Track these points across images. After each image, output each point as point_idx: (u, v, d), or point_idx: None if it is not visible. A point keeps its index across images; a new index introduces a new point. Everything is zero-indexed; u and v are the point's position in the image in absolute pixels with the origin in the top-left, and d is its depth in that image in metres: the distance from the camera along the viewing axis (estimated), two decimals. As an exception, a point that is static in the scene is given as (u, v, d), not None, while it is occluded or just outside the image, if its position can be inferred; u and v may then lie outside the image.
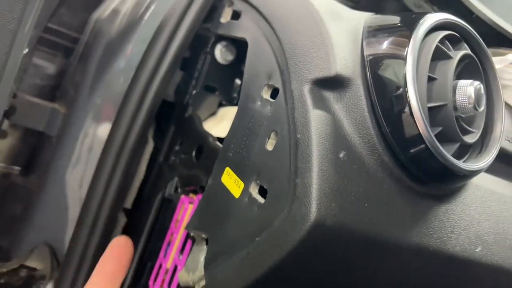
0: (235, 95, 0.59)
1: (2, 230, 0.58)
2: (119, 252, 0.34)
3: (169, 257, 0.51)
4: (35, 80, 0.57)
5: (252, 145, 0.37)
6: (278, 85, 0.36)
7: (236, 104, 0.52)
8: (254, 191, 0.36)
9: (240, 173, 0.37)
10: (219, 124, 0.57)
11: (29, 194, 0.58)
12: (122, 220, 0.59)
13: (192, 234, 0.41)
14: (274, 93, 0.36)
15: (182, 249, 0.50)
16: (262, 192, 0.35)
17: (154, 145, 0.58)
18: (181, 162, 0.54)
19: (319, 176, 0.30)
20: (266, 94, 0.37)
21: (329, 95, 0.33)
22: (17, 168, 0.61)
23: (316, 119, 0.31)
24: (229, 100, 0.59)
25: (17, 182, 0.59)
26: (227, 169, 0.39)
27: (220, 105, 0.59)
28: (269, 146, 0.35)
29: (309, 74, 0.33)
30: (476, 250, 0.35)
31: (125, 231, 0.60)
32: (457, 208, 0.35)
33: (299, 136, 0.31)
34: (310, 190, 0.30)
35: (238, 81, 0.58)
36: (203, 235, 0.39)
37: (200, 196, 0.48)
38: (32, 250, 0.55)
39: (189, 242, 0.47)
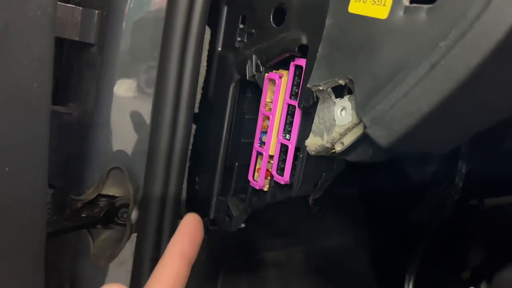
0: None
1: (60, 168, 0.50)
2: (192, 229, 0.32)
3: (270, 143, 0.45)
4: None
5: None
6: None
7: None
8: (407, 1, 0.30)
9: (379, -10, 0.31)
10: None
11: (80, 120, 0.50)
12: (191, 128, 0.52)
13: (321, 88, 0.35)
14: None
15: (285, 128, 0.44)
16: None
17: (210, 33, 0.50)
18: (253, 38, 0.46)
19: None
20: None
21: None
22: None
23: None
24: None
25: (57, 111, 0.50)
26: (356, -6, 0.32)
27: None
28: None
29: None
30: None
31: (196, 139, 0.53)
32: None
33: None
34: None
35: None
36: (341, 81, 0.33)
37: (298, 61, 0.41)
38: (107, 175, 0.48)
39: (297, 113, 0.42)
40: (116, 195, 0.48)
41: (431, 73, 0.27)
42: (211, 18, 0.51)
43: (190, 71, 0.46)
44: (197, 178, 0.55)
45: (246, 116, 0.51)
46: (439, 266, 0.98)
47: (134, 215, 0.48)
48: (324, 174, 0.46)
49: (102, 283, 0.54)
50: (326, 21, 0.35)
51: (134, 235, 0.50)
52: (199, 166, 0.54)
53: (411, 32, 0.29)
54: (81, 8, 0.47)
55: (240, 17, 0.48)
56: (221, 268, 0.82)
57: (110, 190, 0.48)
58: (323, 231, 0.94)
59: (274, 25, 0.44)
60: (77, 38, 0.47)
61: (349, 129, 0.35)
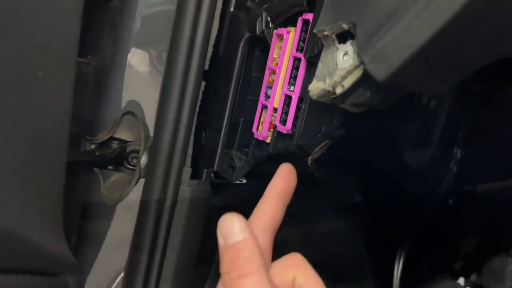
0: None
1: (77, 112, 0.53)
2: (287, 175, 0.36)
3: (274, 96, 0.48)
4: None
5: None
6: None
7: None
8: None
9: None
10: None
11: (98, 69, 0.53)
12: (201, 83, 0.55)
13: (326, 33, 0.38)
14: None
15: (289, 81, 0.47)
16: None
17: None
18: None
19: None
20: None
21: None
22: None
23: None
24: None
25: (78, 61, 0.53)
26: None
27: None
28: None
29: None
30: None
31: (205, 95, 0.56)
32: None
33: None
34: None
35: None
36: (345, 25, 0.36)
37: (306, 15, 0.44)
38: (119, 120, 0.50)
39: (302, 64, 0.45)
40: (128, 139, 0.51)
41: (427, 7, 0.30)
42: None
43: (203, 29, 0.49)
44: (203, 133, 0.58)
45: (253, 74, 0.54)
46: (430, 255, 1.01)
47: (143, 160, 0.51)
48: (324, 128, 0.49)
49: (109, 225, 0.57)
50: (331, -29, 0.38)
51: (142, 181, 0.53)
52: (207, 121, 0.57)
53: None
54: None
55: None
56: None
57: (123, 134, 0.51)
58: (320, 212, 0.97)
59: (286, -18, 0.47)
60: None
61: (349, 72, 0.38)
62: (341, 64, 0.38)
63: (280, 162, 0.37)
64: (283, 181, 0.35)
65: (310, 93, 0.41)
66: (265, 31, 0.49)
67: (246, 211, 0.75)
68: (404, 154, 0.93)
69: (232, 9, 0.54)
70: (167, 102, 0.50)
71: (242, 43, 0.52)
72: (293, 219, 0.93)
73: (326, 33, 0.38)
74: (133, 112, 0.50)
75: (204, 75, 0.55)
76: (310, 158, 0.56)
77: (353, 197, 1.00)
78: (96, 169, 0.49)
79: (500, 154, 0.84)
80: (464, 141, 0.88)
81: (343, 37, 0.39)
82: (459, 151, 0.89)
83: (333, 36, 0.39)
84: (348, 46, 0.38)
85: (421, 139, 0.90)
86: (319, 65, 0.40)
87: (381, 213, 0.98)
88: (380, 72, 0.34)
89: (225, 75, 0.54)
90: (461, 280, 1.07)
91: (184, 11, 0.49)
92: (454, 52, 0.33)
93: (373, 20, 0.34)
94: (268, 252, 0.34)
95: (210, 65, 0.56)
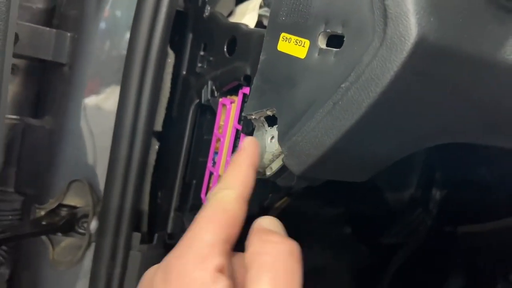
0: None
1: (31, 177, 0.53)
2: (254, 146, 0.33)
3: (220, 164, 0.48)
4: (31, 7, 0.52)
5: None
6: None
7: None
8: (322, 44, 0.32)
9: (301, 32, 0.34)
10: (241, 20, 0.53)
11: (50, 134, 0.53)
12: (155, 144, 0.55)
13: (253, 117, 0.38)
14: None
15: (233, 150, 0.47)
16: (332, 41, 0.32)
17: (175, 58, 0.53)
18: (211, 65, 0.50)
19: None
20: None
21: None
22: (27, 116, 0.56)
23: None
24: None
25: (33, 125, 0.54)
26: (283, 34, 0.35)
27: (238, 2, 0.55)
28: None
29: None
30: None
31: (160, 156, 0.56)
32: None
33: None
34: (406, 6, 0.26)
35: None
36: (269, 112, 0.36)
37: (244, 89, 0.44)
38: (68, 186, 0.51)
39: (242, 137, 0.44)
40: (78, 205, 0.52)
41: (332, 111, 0.30)
42: (177, 44, 0.55)
43: (149, 92, 0.49)
44: (159, 192, 0.58)
45: (204, 137, 0.54)
46: None
47: (93, 225, 0.51)
48: (270, 195, 0.48)
49: (62, 285, 0.57)
50: (261, 56, 0.38)
51: (95, 244, 0.53)
52: (161, 181, 0.57)
53: (322, 73, 0.32)
54: (54, 30, 0.51)
55: (202, 45, 0.52)
56: None
57: (72, 200, 0.51)
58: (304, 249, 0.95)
59: (227, 55, 0.47)
60: (51, 58, 0.51)
61: (276, 156, 0.37)
62: (269, 147, 0.38)
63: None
64: (252, 151, 0.33)
65: (243, 172, 0.41)
66: (211, 100, 0.49)
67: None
68: (382, 195, 0.92)
69: (184, 72, 0.54)
70: (115, 164, 0.51)
71: (192, 107, 0.52)
72: None
73: (253, 117, 0.38)
74: (80, 180, 0.51)
75: (159, 135, 0.56)
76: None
77: (331, 237, 0.99)
78: (43, 237, 0.50)
79: (479, 197, 0.82)
80: (442, 183, 0.87)
81: (272, 120, 0.38)
82: (438, 192, 0.87)
83: (262, 119, 0.38)
84: (275, 131, 0.38)
85: (399, 180, 0.89)
86: (251, 145, 0.40)
87: (359, 251, 0.96)
88: (295, 167, 0.33)
89: (178, 137, 0.54)
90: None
91: (131, 72, 0.49)
92: (362, 150, 0.32)
93: (291, 112, 0.34)
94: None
95: (164, 126, 0.56)
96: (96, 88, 0.52)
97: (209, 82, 0.49)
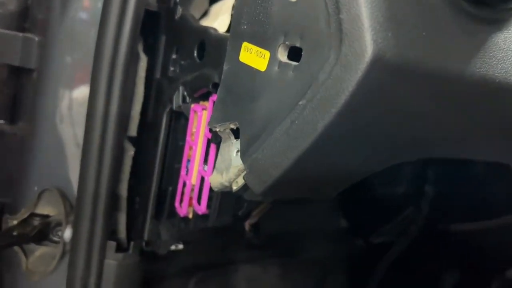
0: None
1: (2, 186, 0.52)
2: None
3: (192, 172, 0.47)
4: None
5: (270, 4, 0.31)
6: None
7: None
8: (283, 56, 0.31)
9: (262, 43, 0.32)
10: (215, 21, 0.50)
11: (22, 141, 0.52)
12: (130, 149, 0.54)
13: (217, 129, 0.36)
14: None
15: (205, 159, 0.45)
16: (293, 55, 0.30)
17: (147, 61, 0.51)
18: (183, 69, 0.48)
19: (369, 3, 0.24)
20: None
21: None
22: (1, 121, 0.55)
23: None
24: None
25: (5, 132, 0.53)
26: (244, 44, 0.33)
27: (211, 2, 0.53)
28: (294, -4, 0.29)
29: None
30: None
31: (136, 161, 0.55)
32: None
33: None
34: (361, 21, 0.24)
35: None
36: (232, 126, 0.35)
37: (214, 97, 0.42)
38: (40, 195, 0.50)
39: (213, 147, 0.43)
40: (51, 214, 0.50)
41: (289, 130, 0.29)
42: (151, 46, 0.53)
43: (117, 95, 0.47)
44: (137, 198, 0.56)
45: (180, 143, 0.52)
46: None
47: (67, 234, 0.50)
48: (245, 204, 0.47)
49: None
50: (224, 66, 0.36)
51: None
52: (138, 188, 0.55)
53: (282, 88, 0.30)
54: (21, 34, 0.49)
55: (175, 48, 0.50)
56: (190, 279, 0.83)
57: (45, 209, 0.50)
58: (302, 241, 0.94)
59: (198, 60, 0.45)
60: (18, 64, 0.49)
61: (241, 171, 0.36)
62: (234, 161, 0.36)
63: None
64: None
65: (211, 185, 0.39)
66: (182, 106, 0.47)
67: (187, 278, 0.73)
68: (375, 191, 0.91)
69: (158, 76, 0.52)
70: (86, 172, 0.49)
71: (166, 112, 0.51)
72: (271, 250, 0.91)
73: (217, 129, 0.36)
74: (51, 189, 0.49)
75: (134, 141, 0.54)
76: (247, 222, 0.54)
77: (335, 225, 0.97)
78: (16, 248, 0.49)
79: (472, 194, 0.80)
80: (434, 180, 0.85)
81: (239, 132, 0.37)
82: (430, 191, 0.85)
83: (227, 131, 0.37)
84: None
85: (392, 176, 0.87)
86: (219, 157, 0.39)
87: (353, 246, 0.95)
88: (255, 186, 0.32)
89: (153, 142, 0.53)
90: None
91: (99, 76, 0.47)
92: (325, 170, 0.30)
93: (252, 127, 0.32)
94: None
95: (138, 131, 0.54)
96: (66, 94, 0.50)
97: (181, 88, 0.47)
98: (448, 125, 0.29)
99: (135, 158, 0.55)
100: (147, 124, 0.54)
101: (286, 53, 0.31)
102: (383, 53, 0.24)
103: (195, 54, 0.45)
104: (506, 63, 0.30)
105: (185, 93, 0.47)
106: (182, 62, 0.48)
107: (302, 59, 0.29)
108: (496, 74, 0.29)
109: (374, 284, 0.89)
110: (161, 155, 0.52)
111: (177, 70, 0.49)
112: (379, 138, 0.29)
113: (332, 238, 0.98)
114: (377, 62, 0.24)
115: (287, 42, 0.30)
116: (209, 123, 0.37)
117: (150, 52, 0.52)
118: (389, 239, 0.88)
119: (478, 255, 0.85)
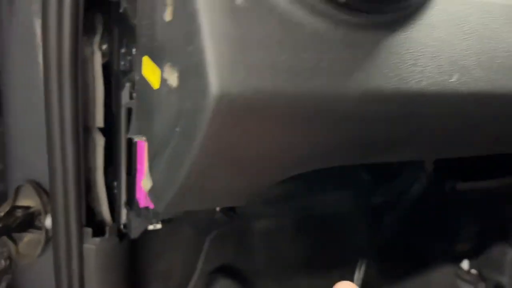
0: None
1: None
2: None
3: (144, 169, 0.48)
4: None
5: (155, 21, 0.30)
6: None
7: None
8: (170, 76, 0.30)
9: (155, 58, 0.31)
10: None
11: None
12: (100, 139, 0.56)
13: (135, 140, 0.37)
14: None
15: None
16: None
17: (102, 54, 0.52)
18: (130, 65, 0.48)
19: (212, 33, 0.23)
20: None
21: None
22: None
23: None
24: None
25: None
26: (145, 58, 0.33)
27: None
28: (168, 15, 0.28)
29: None
30: (451, 80, 0.28)
31: (108, 151, 0.57)
32: (419, 33, 0.28)
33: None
34: (203, 55, 0.23)
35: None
36: (143, 139, 0.35)
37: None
38: (17, 191, 0.54)
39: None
40: (32, 205, 0.55)
41: (173, 153, 0.29)
42: (107, 37, 0.52)
43: (69, 87, 0.48)
44: (115, 183, 0.59)
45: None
46: (426, 240, 0.97)
47: (48, 221, 0.54)
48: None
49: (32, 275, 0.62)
50: (135, 76, 0.36)
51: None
52: (113, 175, 0.58)
53: (167, 109, 0.30)
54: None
55: (124, 41, 0.49)
56: (206, 236, 0.87)
57: (26, 201, 0.54)
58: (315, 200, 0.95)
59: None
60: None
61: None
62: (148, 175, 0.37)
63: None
64: None
65: (144, 189, 0.41)
66: (129, 103, 0.47)
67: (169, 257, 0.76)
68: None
69: (115, 69, 0.53)
70: (52, 163, 0.52)
71: (121, 113, 0.51)
72: (287, 206, 0.93)
73: (135, 140, 0.37)
74: (24, 184, 0.53)
75: (103, 131, 0.56)
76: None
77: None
78: (3, 238, 0.54)
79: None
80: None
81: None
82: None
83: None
84: (158, 154, 0.36)
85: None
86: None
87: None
88: (157, 204, 0.33)
89: (116, 133, 0.54)
90: (465, 263, 1.04)
91: (48, 73, 0.48)
92: (218, 187, 0.30)
93: (153, 144, 0.33)
94: None
95: (105, 122, 0.56)
96: (29, 88, 0.52)
97: (127, 84, 0.47)
98: (328, 145, 0.28)
99: (107, 149, 0.57)
100: (113, 114, 0.55)
101: (175, 73, 0.30)
102: (228, 89, 0.23)
103: (134, 52, 0.45)
104: (401, 68, 0.27)
105: (132, 90, 0.47)
106: (129, 57, 0.48)
107: (179, 82, 0.28)
108: (387, 84, 0.27)
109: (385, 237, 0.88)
110: (125, 143, 0.53)
111: (126, 65, 0.49)
112: (253, 161, 0.28)
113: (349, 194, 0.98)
114: (222, 101, 0.23)
115: (169, 63, 0.29)
116: (130, 133, 0.38)
117: (108, 44, 0.52)
118: (391, 199, 0.87)
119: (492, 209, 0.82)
